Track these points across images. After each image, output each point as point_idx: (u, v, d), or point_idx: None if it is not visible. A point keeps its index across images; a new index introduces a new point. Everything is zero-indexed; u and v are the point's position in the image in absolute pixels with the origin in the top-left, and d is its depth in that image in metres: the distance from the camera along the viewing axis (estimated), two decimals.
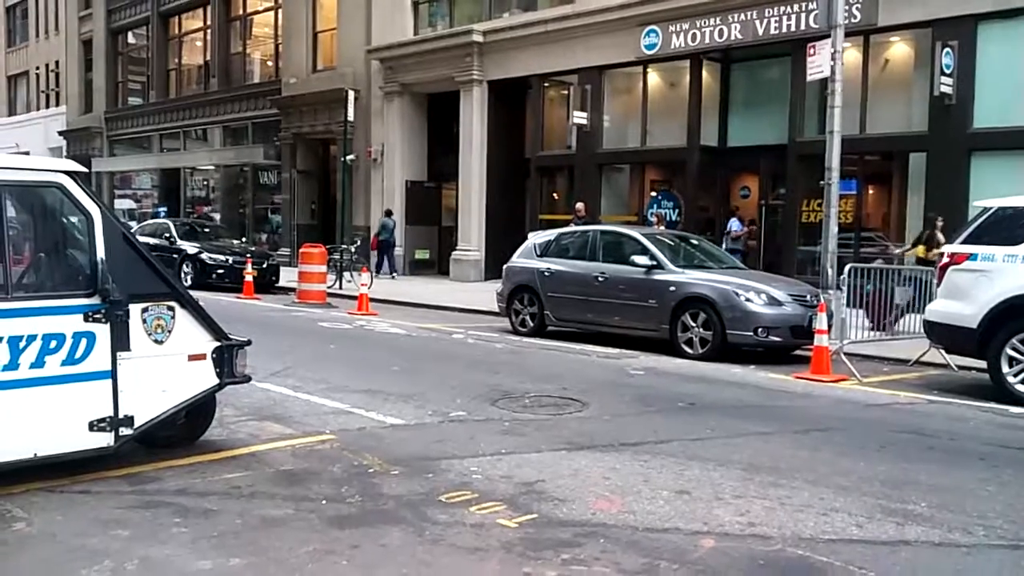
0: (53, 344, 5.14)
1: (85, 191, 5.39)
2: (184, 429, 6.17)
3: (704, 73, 19.03)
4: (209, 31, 33.63)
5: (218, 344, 5.89)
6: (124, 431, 5.41)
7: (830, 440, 7.25)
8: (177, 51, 36.51)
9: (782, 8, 17.12)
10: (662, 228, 17.52)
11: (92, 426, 5.30)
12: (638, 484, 5.65)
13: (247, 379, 6.20)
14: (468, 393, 8.52)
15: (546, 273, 13.44)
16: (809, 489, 5.62)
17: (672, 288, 11.83)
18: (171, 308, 5.66)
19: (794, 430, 7.56)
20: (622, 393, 8.98)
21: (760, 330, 11.23)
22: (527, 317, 13.67)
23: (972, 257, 9.41)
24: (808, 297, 11.61)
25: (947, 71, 14.94)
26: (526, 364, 10.83)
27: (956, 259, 9.57)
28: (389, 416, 7.42)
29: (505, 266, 14.54)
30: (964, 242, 9.64)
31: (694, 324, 11.57)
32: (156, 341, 5.58)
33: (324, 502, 5.11)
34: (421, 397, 8.26)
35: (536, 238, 14.60)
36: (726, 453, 6.54)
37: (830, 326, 10.52)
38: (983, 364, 9.42)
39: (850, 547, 4.62)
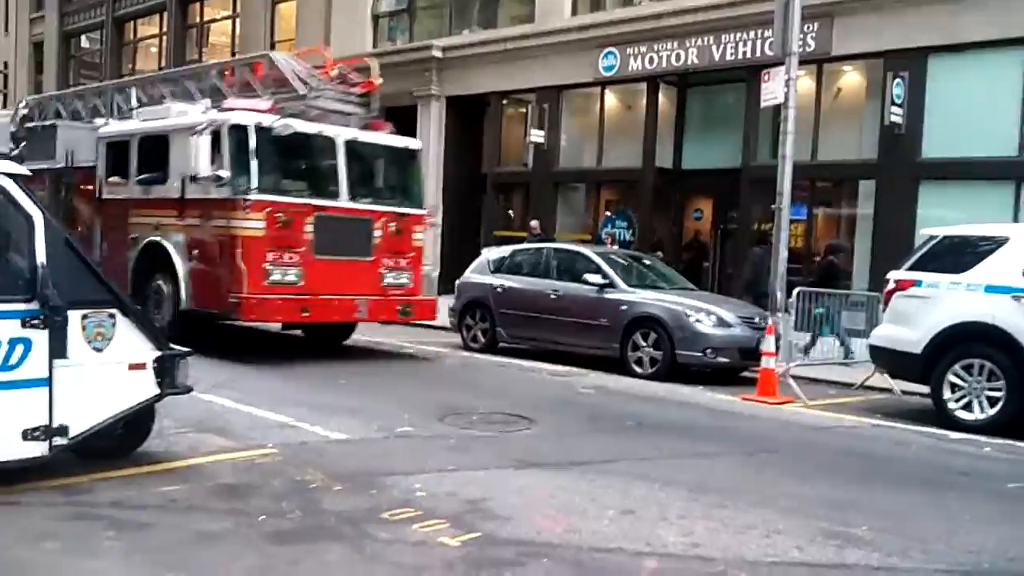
0: None
1: (27, 194, 5.26)
2: (122, 440, 6.01)
3: (660, 96, 19.18)
4: (165, 38, 33.23)
5: (160, 353, 5.77)
6: (59, 441, 5.27)
7: (775, 462, 7.29)
8: (131, 56, 36.02)
9: (738, 35, 17.33)
10: (615, 247, 17.60)
11: (26, 435, 5.14)
12: (584, 503, 5.63)
13: (189, 390, 6.08)
14: (416, 408, 8.43)
15: (499, 289, 13.41)
16: (753, 511, 5.63)
17: (624, 307, 11.87)
18: (112, 316, 5.53)
19: (740, 451, 7.59)
20: (571, 411, 8.96)
21: (709, 351, 11.30)
22: (479, 333, 13.62)
23: (917, 284, 9.56)
24: (757, 319, 11.71)
25: (897, 101, 15.22)
26: (476, 380, 10.77)
27: (902, 285, 9.72)
28: (334, 431, 7.32)
29: (458, 281, 14.49)
30: (910, 269, 9.81)
31: (645, 343, 11.61)
32: (95, 349, 5.45)
33: (263, 517, 5.01)
34: (367, 412, 8.16)
35: (490, 254, 14.58)
36: (672, 473, 6.54)
37: (778, 348, 10.62)
38: (927, 389, 9.55)
39: (791, 570, 4.63)
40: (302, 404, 8.32)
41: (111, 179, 12.45)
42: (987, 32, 14.52)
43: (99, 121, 13.53)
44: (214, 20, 31.82)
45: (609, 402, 9.75)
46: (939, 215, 13.92)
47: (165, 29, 33.14)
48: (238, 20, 30.04)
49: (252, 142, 10.56)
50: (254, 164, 10.54)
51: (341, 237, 11.14)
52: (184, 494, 5.36)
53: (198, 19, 32.17)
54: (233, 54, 30.48)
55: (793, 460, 7.39)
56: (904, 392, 10.80)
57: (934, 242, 9.85)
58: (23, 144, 14.69)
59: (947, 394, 9.15)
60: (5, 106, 43.20)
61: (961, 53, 15.04)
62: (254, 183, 10.51)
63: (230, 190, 10.51)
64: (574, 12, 20.45)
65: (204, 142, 10.36)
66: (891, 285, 9.89)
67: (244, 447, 6.60)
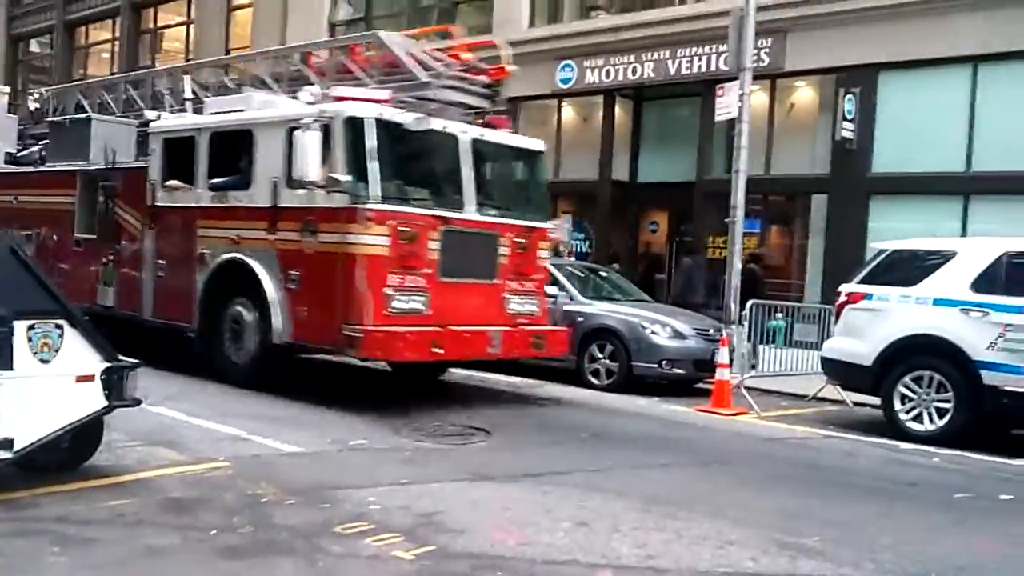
0: None
1: None
2: (68, 453, 5.87)
3: (617, 109, 19.33)
4: (117, 43, 32.78)
5: (108, 365, 5.66)
6: (3, 454, 5.14)
7: (728, 473, 7.34)
8: (82, 62, 35.47)
9: (694, 49, 17.52)
10: (571, 259, 17.65)
11: None
12: (538, 516, 5.61)
13: (138, 402, 5.96)
14: (370, 421, 8.37)
15: None
16: (707, 521, 5.65)
17: (580, 319, 11.90)
18: (59, 326, 5.42)
19: (694, 462, 7.64)
20: (527, 423, 8.95)
21: (665, 363, 11.38)
22: None
23: (868, 297, 9.71)
24: (711, 331, 11.80)
25: (849, 117, 15.49)
26: (431, 392, 10.71)
27: (853, 298, 9.87)
28: (287, 443, 7.22)
29: None
30: (861, 282, 9.96)
31: (601, 355, 11.66)
32: (42, 360, 5.33)
33: (213, 532, 4.92)
34: (321, 424, 8.08)
35: None
36: (627, 485, 6.55)
37: (731, 360, 10.70)
38: (878, 401, 9.69)
39: None
40: (254, 417, 8.20)
41: (170, 183, 10.55)
42: (936, 50, 14.83)
43: (150, 115, 11.45)
44: (168, 26, 31.45)
45: (565, 414, 9.76)
46: (890, 229, 14.17)
47: (118, 34, 32.69)
48: (192, 26, 29.74)
49: (371, 139, 8.68)
50: (374, 166, 8.67)
51: (468, 256, 9.36)
52: (132, 508, 5.25)
53: (152, 25, 31.78)
54: (187, 60, 30.15)
55: (746, 471, 7.44)
56: (855, 403, 10.95)
57: (884, 256, 10.02)
58: (44, 142, 13.30)
59: (897, 405, 9.29)
60: None
61: (911, 70, 15.36)
62: (375, 189, 8.64)
63: (346, 198, 8.66)
64: (532, 24, 20.53)
65: (312, 139, 8.52)
66: (843, 298, 10.04)
67: (195, 460, 6.49)
